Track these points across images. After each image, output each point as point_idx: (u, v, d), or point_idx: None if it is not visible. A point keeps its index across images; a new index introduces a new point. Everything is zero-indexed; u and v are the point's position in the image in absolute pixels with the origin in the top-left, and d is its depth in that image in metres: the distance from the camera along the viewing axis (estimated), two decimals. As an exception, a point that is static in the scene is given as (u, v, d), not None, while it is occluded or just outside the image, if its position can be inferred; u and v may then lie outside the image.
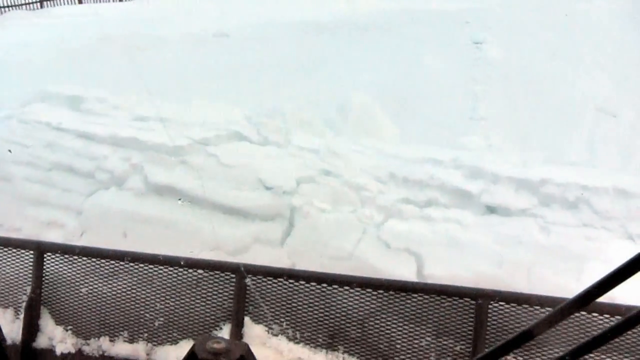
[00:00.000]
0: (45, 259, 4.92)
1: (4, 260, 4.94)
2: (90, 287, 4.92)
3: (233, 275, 4.72)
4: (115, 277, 4.93)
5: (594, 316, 4.17)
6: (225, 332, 4.73)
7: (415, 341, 4.60)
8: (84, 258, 4.89)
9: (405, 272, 5.42)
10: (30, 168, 6.84)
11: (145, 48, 10.41)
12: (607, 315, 4.14)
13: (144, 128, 7.10)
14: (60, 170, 6.79)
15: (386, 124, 7.67)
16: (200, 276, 4.79)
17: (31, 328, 4.89)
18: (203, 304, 4.82)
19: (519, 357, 4.37)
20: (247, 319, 4.77)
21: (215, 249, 5.78)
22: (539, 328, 1.60)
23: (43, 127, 7.43)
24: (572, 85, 8.39)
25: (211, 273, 4.76)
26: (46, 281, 4.96)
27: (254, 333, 4.73)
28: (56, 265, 4.94)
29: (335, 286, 4.60)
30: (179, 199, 6.01)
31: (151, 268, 4.86)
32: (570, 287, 5.25)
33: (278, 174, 6.27)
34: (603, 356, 4.14)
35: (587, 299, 1.43)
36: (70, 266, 4.95)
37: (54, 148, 7.05)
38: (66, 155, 6.90)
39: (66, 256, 4.92)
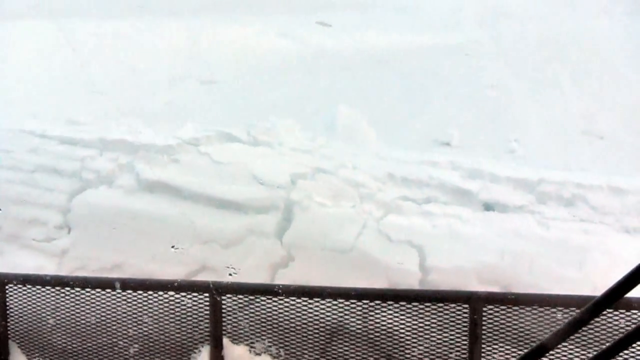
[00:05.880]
0: (7, 292, 4.56)
1: None
2: (59, 318, 4.57)
3: (207, 295, 4.42)
4: (85, 305, 4.58)
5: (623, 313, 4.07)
6: (204, 355, 4.43)
7: (407, 351, 4.40)
8: (49, 288, 4.55)
9: (407, 264, 5.33)
10: (14, 171, 6.59)
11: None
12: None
13: (133, 131, 6.96)
14: (43, 172, 6.56)
15: (372, 136, 7.66)
16: (173, 298, 4.49)
17: None
18: (178, 327, 4.50)
19: None
20: (226, 340, 4.46)
21: (207, 242, 5.60)
22: (562, 335, 1.55)
23: (26, 135, 7.21)
24: (557, 109, 8.56)
25: (184, 294, 4.46)
26: (11, 315, 4.60)
27: (236, 354, 4.39)
28: (20, 297, 4.53)
29: (317, 299, 4.34)
30: (172, 246, 5.70)
31: (121, 294, 4.53)
32: (574, 277, 5.23)
33: (271, 170, 6.19)
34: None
35: (616, 295, 1.37)
36: (35, 297, 4.56)
37: (38, 152, 6.83)
38: (50, 158, 6.69)
39: (30, 287, 4.58)
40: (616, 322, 4.07)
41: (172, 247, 5.64)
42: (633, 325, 4.00)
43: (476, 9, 13.35)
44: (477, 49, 10.86)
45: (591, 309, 1.42)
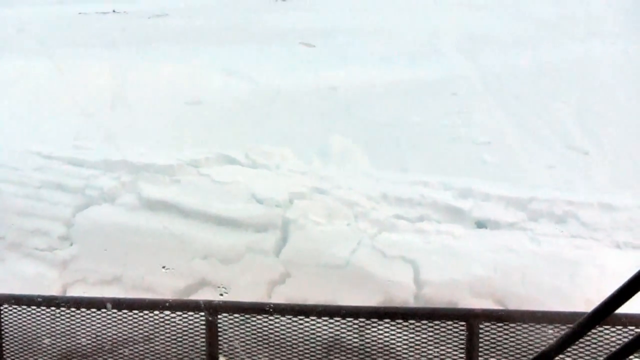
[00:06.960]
0: (2, 312, 4.64)
1: None
2: (54, 338, 4.64)
3: (202, 314, 4.48)
4: (79, 325, 4.65)
5: (616, 329, 4.11)
6: None
7: (404, 371, 4.45)
8: (44, 308, 4.61)
9: (402, 277, 5.43)
10: (19, 186, 6.77)
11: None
12: (630, 327, 4.09)
13: (135, 153, 7.15)
14: (48, 188, 6.74)
15: (365, 161, 7.81)
16: (167, 317, 4.55)
17: None
18: (173, 346, 4.55)
19: None
20: (222, 359, 4.55)
21: (207, 257, 5.72)
22: (557, 349, 1.57)
23: (33, 155, 7.41)
24: (541, 126, 8.74)
25: (178, 313, 4.52)
26: (6, 336, 4.67)
27: (232, 373, 4.51)
28: (15, 317, 4.64)
29: (314, 317, 4.40)
30: (163, 267, 5.79)
31: (115, 313, 4.59)
32: (566, 289, 5.33)
33: (270, 189, 6.35)
34: None
35: (605, 312, 1.38)
36: (30, 317, 4.65)
37: (43, 170, 7.03)
38: (55, 175, 6.87)
39: (25, 307, 4.64)
40: (607, 338, 4.12)
41: (163, 267, 5.72)
42: (625, 340, 4.06)
43: (454, 34, 13.25)
44: (462, 85, 10.35)
45: (583, 324, 1.43)
